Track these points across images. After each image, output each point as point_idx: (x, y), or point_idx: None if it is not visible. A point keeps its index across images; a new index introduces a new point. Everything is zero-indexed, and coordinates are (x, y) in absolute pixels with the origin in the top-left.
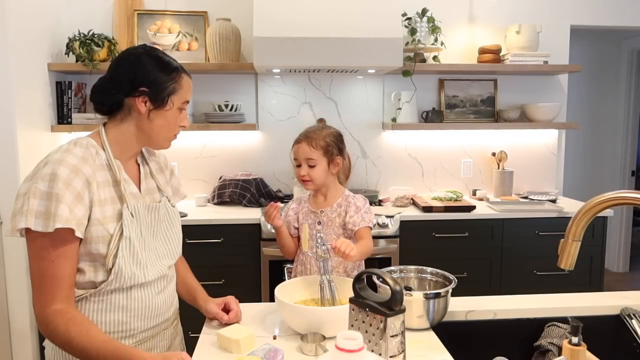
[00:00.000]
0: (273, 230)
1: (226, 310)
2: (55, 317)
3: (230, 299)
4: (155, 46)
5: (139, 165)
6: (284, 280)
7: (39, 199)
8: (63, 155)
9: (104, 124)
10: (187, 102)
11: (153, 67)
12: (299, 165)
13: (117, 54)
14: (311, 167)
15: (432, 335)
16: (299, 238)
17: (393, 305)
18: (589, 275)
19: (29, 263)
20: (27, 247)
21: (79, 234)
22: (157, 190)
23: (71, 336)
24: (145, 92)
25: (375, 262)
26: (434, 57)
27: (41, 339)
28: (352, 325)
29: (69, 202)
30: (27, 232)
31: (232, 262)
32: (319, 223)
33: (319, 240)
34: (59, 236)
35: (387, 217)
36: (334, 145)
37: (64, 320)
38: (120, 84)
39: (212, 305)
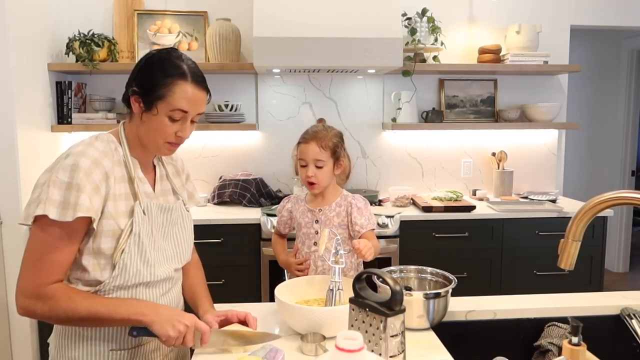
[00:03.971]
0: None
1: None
2: (55, 290)
3: (232, 316)
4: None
5: (155, 166)
6: (284, 280)
7: (59, 188)
8: (85, 147)
9: (124, 122)
10: (183, 111)
11: (150, 69)
12: (304, 166)
13: (117, 54)
14: (318, 167)
15: (432, 335)
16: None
17: (393, 305)
18: (589, 275)
19: (27, 245)
20: (33, 231)
21: (96, 224)
22: (172, 193)
23: (75, 302)
24: (136, 91)
25: (375, 262)
26: (434, 57)
27: (41, 338)
28: (352, 325)
29: (89, 192)
30: (40, 218)
31: (232, 262)
32: (317, 222)
33: (338, 247)
34: (74, 226)
35: (387, 217)
36: (340, 146)
37: (65, 291)
38: (129, 81)
39: (209, 316)
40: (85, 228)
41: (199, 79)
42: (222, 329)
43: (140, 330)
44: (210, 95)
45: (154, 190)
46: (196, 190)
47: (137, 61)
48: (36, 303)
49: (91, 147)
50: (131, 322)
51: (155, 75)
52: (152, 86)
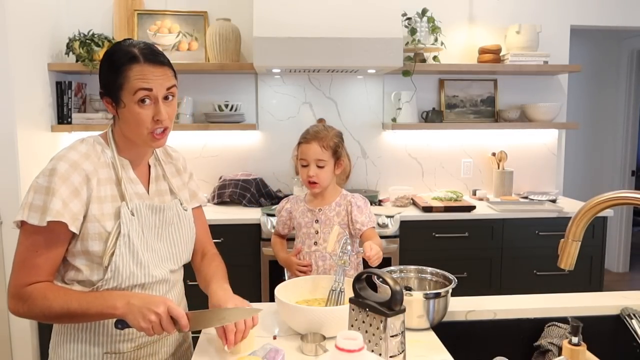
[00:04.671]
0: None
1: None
2: (32, 290)
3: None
4: (158, 46)
5: (150, 166)
6: (284, 280)
7: (37, 193)
8: (66, 151)
9: (112, 124)
10: (146, 90)
11: (104, 67)
12: (305, 166)
13: None
14: (320, 167)
15: (432, 335)
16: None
17: (393, 305)
18: (589, 275)
19: (15, 249)
20: (19, 236)
21: (73, 228)
22: (168, 193)
23: (49, 300)
24: (102, 93)
25: None
26: (434, 57)
27: (41, 339)
28: (352, 325)
29: (63, 196)
30: (23, 223)
31: (232, 262)
32: (317, 221)
33: (348, 248)
34: (51, 230)
35: (387, 217)
36: (341, 146)
37: (41, 289)
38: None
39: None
40: (68, 231)
41: (153, 56)
42: (201, 310)
43: (125, 323)
44: (174, 70)
45: (147, 191)
46: (200, 189)
47: None
48: (18, 303)
49: (73, 150)
50: (106, 316)
51: (110, 70)
52: (111, 81)
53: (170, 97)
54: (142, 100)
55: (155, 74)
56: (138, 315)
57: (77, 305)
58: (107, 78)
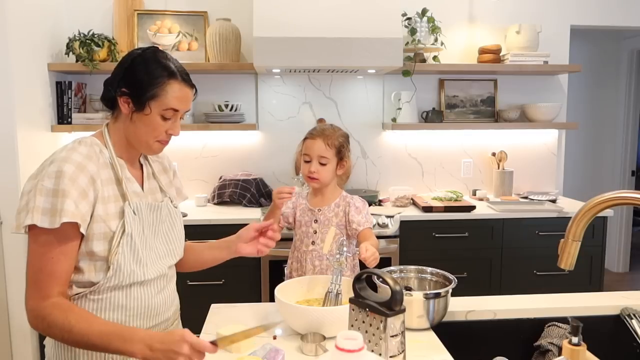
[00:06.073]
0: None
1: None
2: (52, 308)
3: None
4: (159, 46)
5: (142, 165)
6: (284, 280)
7: (45, 195)
8: (68, 153)
9: (107, 124)
10: (175, 110)
11: (139, 69)
12: (308, 161)
13: (117, 54)
14: (322, 164)
15: (432, 335)
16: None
17: (393, 305)
18: (589, 275)
19: (27, 258)
20: (29, 243)
21: (82, 230)
22: (159, 191)
23: (71, 324)
24: (125, 92)
25: None
26: (434, 57)
27: (41, 338)
28: (352, 325)
29: (74, 198)
30: (32, 228)
31: (232, 262)
32: (316, 221)
33: (344, 249)
34: (64, 232)
35: (387, 217)
36: (345, 147)
37: (62, 310)
38: (113, 82)
39: (243, 247)
40: (79, 233)
41: (187, 77)
42: (224, 336)
43: None
44: (196, 91)
45: (142, 189)
46: (182, 186)
47: (119, 61)
48: (37, 319)
49: (74, 152)
50: (126, 355)
51: (146, 76)
52: (144, 86)
53: (184, 116)
54: (166, 115)
55: (186, 94)
56: None
57: (98, 341)
58: (140, 82)
